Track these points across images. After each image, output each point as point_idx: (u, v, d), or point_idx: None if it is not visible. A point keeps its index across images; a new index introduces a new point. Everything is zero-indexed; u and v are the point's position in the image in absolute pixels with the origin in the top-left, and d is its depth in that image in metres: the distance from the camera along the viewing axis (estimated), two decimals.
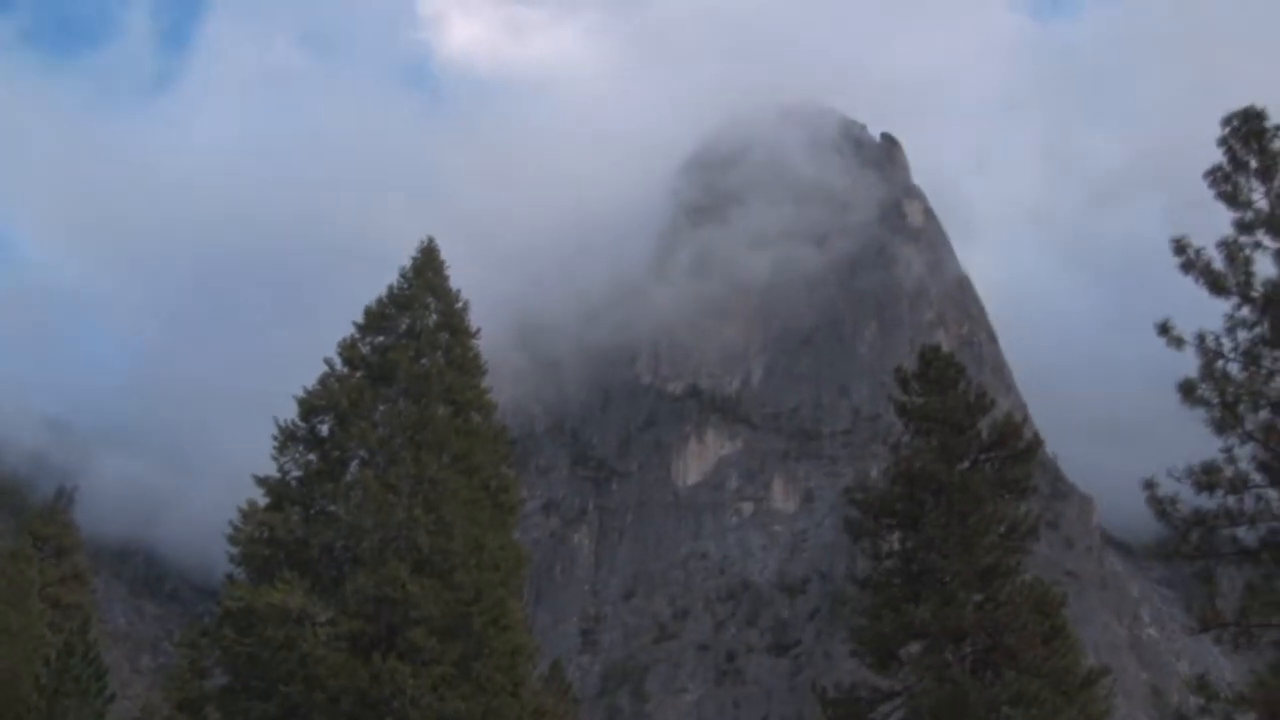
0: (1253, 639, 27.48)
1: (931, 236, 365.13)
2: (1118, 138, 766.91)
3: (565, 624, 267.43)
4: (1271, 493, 27.48)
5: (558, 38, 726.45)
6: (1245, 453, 27.39)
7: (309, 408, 43.55)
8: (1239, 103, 29.29)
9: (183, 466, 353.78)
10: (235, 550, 41.48)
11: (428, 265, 46.63)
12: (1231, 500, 27.54)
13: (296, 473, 42.96)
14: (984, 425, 46.10)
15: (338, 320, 47.72)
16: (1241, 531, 27.86)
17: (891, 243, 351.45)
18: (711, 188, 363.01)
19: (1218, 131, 29.25)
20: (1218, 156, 29.30)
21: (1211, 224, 29.28)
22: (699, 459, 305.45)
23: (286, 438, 43.18)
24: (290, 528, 41.14)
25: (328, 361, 44.55)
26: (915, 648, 43.07)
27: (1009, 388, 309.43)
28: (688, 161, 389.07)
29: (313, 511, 42.35)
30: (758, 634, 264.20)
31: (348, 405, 43.06)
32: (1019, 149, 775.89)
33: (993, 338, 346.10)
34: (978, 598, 42.77)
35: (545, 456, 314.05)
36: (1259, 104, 29.46)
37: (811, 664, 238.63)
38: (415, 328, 45.61)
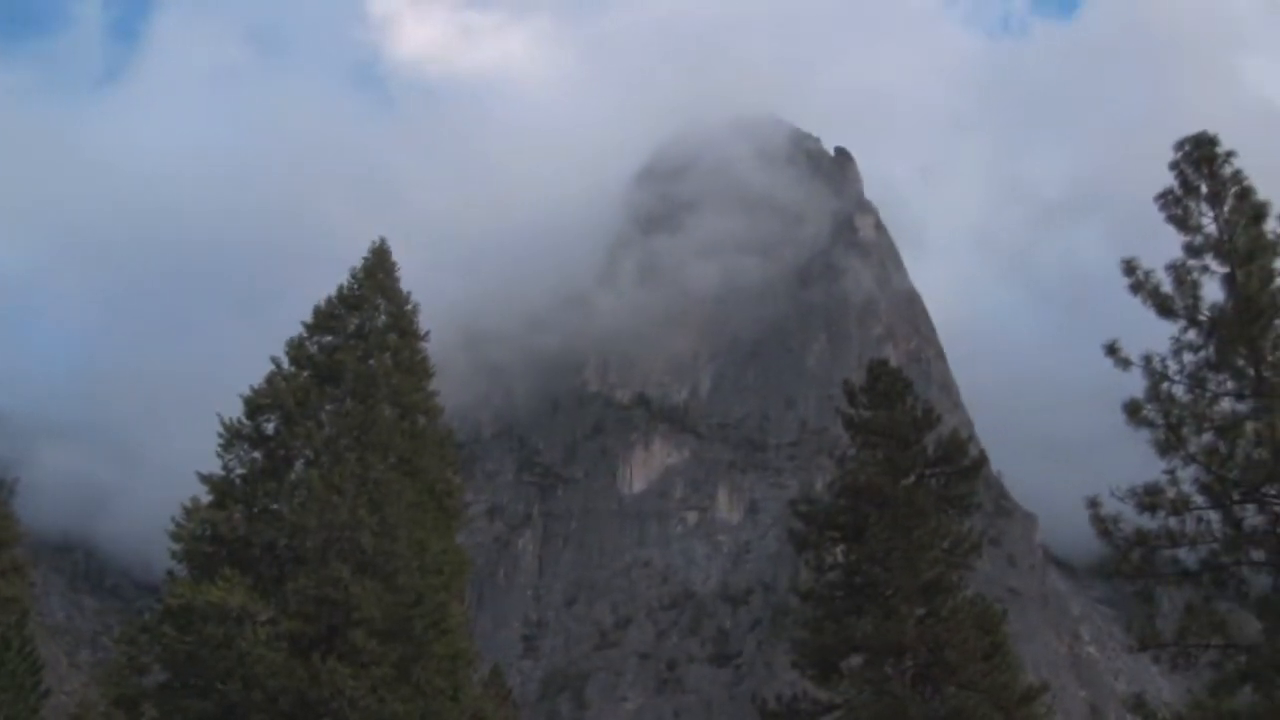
0: (1191, 659, 27.67)
1: (882, 251, 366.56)
2: (1063, 159, 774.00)
3: (507, 629, 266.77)
4: (1213, 515, 27.68)
5: (509, 43, 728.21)
6: (1188, 475, 27.60)
7: (255, 406, 43.31)
8: (1184, 128, 29.58)
9: (126, 461, 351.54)
10: (177, 547, 41.18)
11: (378, 266, 46.45)
12: (1173, 521, 27.73)
13: (241, 471, 42.72)
14: (930, 441, 46.32)
15: (286, 318, 47.56)
16: (1182, 553, 28.06)
17: (842, 256, 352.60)
18: (663, 197, 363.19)
19: (1162, 155, 29.55)
20: (1161, 180, 29.59)
21: (1153, 247, 29.56)
22: (645, 467, 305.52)
23: (232, 435, 42.92)
24: (233, 525, 40.91)
25: (275, 360, 44.32)
26: (856, 661, 43.19)
27: (956, 404, 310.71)
28: (640, 171, 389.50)
29: (256, 510, 42.10)
30: (699, 643, 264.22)
31: (294, 404, 42.84)
32: (967, 167, 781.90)
33: (940, 354, 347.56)
34: (919, 612, 42.93)
35: (491, 461, 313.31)
36: (1207, 129, 29.77)
37: (752, 674, 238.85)
38: (364, 328, 45.42)
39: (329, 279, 46.82)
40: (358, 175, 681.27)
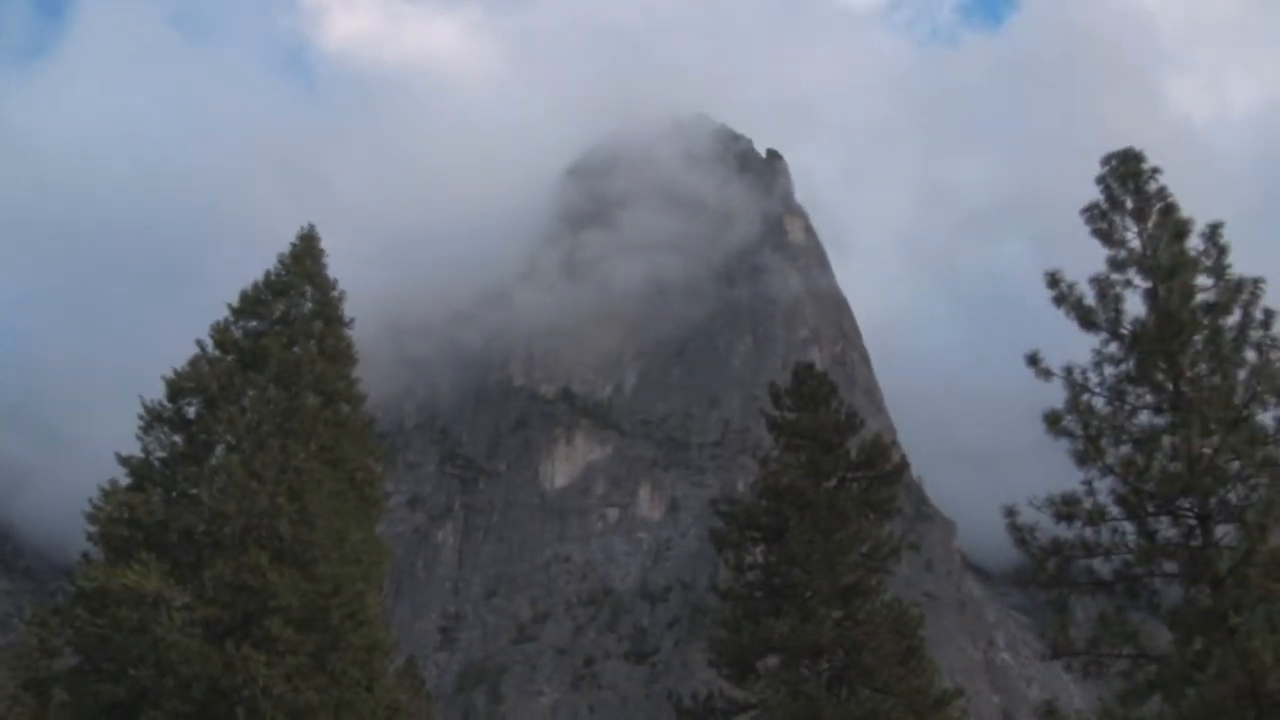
0: (1102, 668, 27.96)
1: (811, 254, 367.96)
2: (989, 168, 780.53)
3: (425, 620, 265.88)
4: (1128, 526, 27.99)
5: (439, 34, 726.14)
6: (1105, 486, 27.89)
7: (177, 389, 42.93)
8: (1107, 143, 29.94)
9: (44, 442, 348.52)
10: (93, 529, 40.74)
11: (306, 253, 46.15)
12: (1089, 532, 28.01)
13: (161, 454, 42.30)
14: (853, 445, 46.57)
15: (210, 302, 47.19)
16: (1097, 563, 28.34)
17: (771, 257, 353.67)
18: (593, 194, 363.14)
19: (1085, 168, 29.88)
20: (1085, 193, 29.93)
21: (1075, 259, 29.88)
22: (567, 463, 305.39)
23: (153, 418, 42.52)
24: (151, 509, 40.52)
25: (199, 344, 43.93)
26: (773, 661, 43.36)
27: (879, 409, 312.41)
28: (570, 167, 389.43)
29: (175, 494, 41.73)
30: (616, 640, 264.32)
31: (217, 389, 42.50)
32: (894, 173, 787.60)
33: (865, 359, 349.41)
34: (837, 615, 43.15)
35: (414, 452, 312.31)
36: (1133, 146, 30.12)
37: (669, 672, 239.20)
38: (290, 315, 45.09)
39: (254, 264, 46.60)
40: (284, 162, 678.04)
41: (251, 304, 44.91)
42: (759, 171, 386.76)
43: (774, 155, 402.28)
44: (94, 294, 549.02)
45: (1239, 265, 28.60)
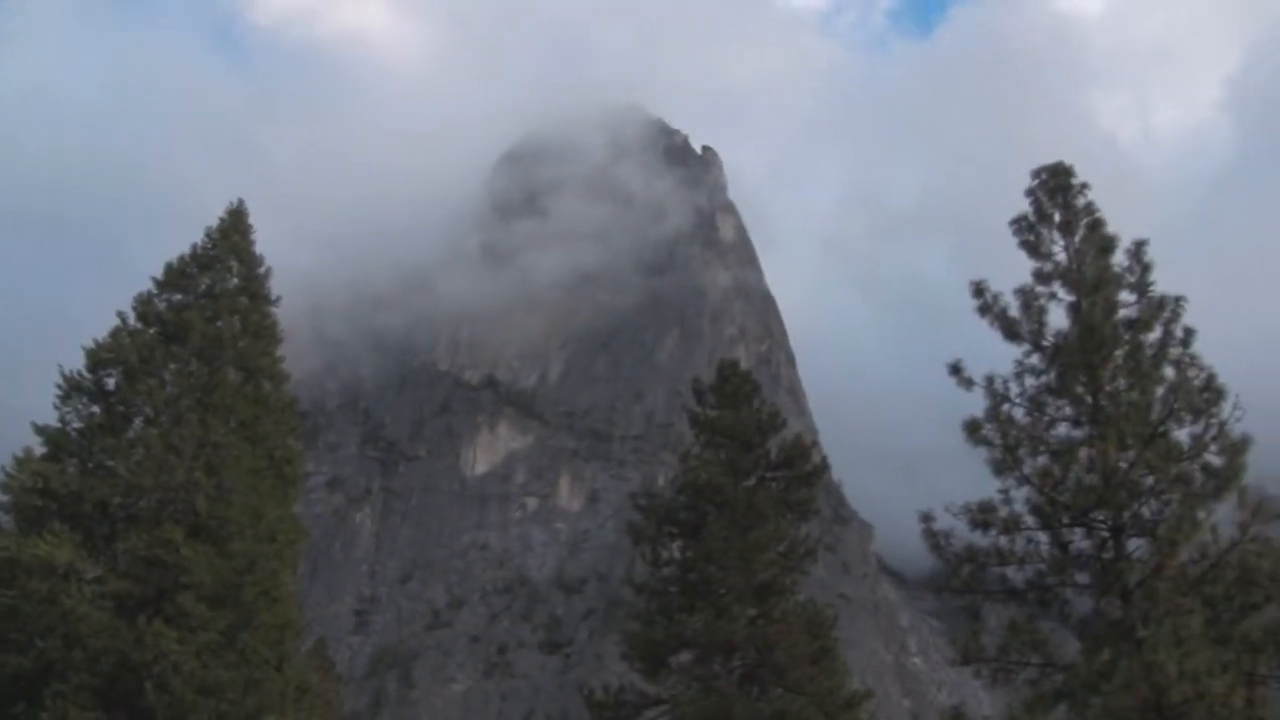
0: (1010, 676, 28.19)
1: (741, 251, 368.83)
2: (915, 174, 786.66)
3: (339, 603, 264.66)
4: (1042, 536, 28.24)
5: (373, 12, 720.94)
6: (1021, 495, 28.10)
7: (97, 360, 42.49)
8: (1031, 155, 30.22)
9: None
10: (5, 498, 40.28)
11: (234, 228, 45.78)
12: (1004, 540, 28.24)
13: (78, 424, 41.85)
14: (774, 444, 46.70)
15: (134, 273, 46.76)
16: (1010, 571, 28.57)
17: (701, 253, 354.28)
18: (525, 183, 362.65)
19: (1008, 179, 30.13)
20: (1007, 203, 30.20)
21: (996, 268, 30.13)
22: (489, 450, 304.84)
23: (71, 388, 42.07)
24: (65, 480, 40.09)
25: (121, 315, 43.47)
26: (686, 657, 43.43)
27: (802, 410, 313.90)
28: (503, 154, 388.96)
29: (90, 465, 41.31)
30: (531, 630, 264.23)
31: (137, 361, 42.09)
32: (823, 175, 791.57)
33: (790, 359, 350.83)
34: (751, 613, 43.27)
35: (335, 433, 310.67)
36: (1063, 160, 30.38)
37: (582, 664, 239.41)
38: (215, 289, 44.72)
39: (179, 237, 46.23)
40: (212, 135, 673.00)
41: (176, 277, 44.51)
42: (693, 166, 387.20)
43: (709, 151, 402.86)
44: (14, 260, 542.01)
45: (1160, 284, 28.94)
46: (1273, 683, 26.85)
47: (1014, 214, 30.14)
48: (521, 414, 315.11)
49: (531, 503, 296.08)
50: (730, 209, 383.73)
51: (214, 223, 45.78)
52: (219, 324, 43.74)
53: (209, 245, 45.18)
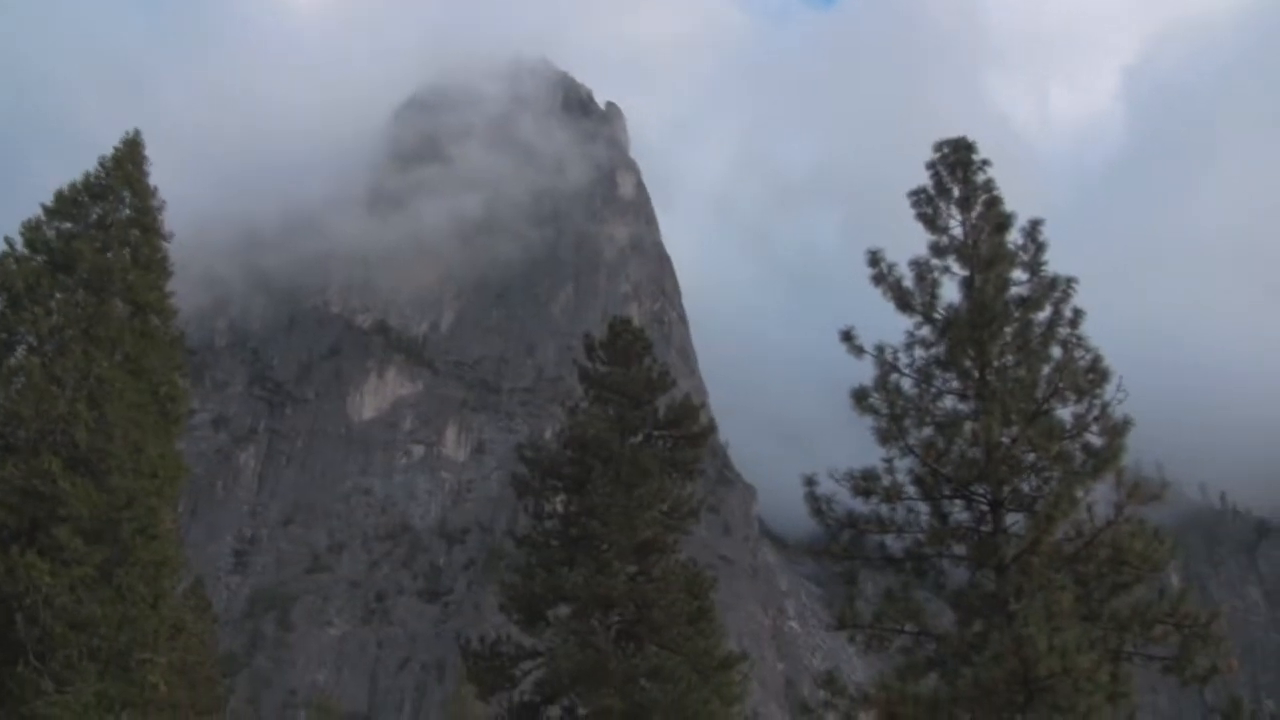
0: (884, 643, 28.46)
1: (640, 210, 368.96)
2: (809, 143, 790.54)
3: (219, 542, 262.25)
4: (922, 507, 28.49)
5: None
6: (904, 465, 28.29)
7: None
8: (925, 130, 30.32)
9: None
10: None
11: (129, 158, 45.00)
12: (884, 508, 28.45)
13: None
14: (662, 403, 46.84)
15: (25, 202, 45.88)
16: (889, 539, 28.81)
17: (600, 209, 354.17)
18: (426, 131, 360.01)
19: (900, 153, 30.33)
20: (898, 176, 30.35)
21: (881, 240, 30.28)
22: (377, 395, 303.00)
23: None
24: None
25: (8, 241, 42.64)
26: (564, 610, 43.54)
27: (692, 371, 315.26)
28: (405, 102, 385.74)
29: None
30: (411, 577, 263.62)
31: (22, 288, 41.34)
32: (721, 138, 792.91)
33: (683, 319, 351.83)
34: (631, 570, 43.46)
35: (222, 371, 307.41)
36: (965, 136, 30.56)
37: (460, 613, 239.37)
38: (106, 220, 43.97)
39: (70, 167, 45.34)
40: (108, 69, 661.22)
41: (67, 205, 43.72)
42: (596, 121, 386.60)
43: (612, 107, 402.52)
44: None
45: (1052, 264, 29.24)
46: (1137, 660, 27.34)
47: (906, 187, 30.32)
48: (411, 361, 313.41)
49: (417, 450, 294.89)
50: (631, 166, 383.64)
51: (108, 153, 45.05)
52: (109, 255, 43.04)
53: (102, 175, 44.39)
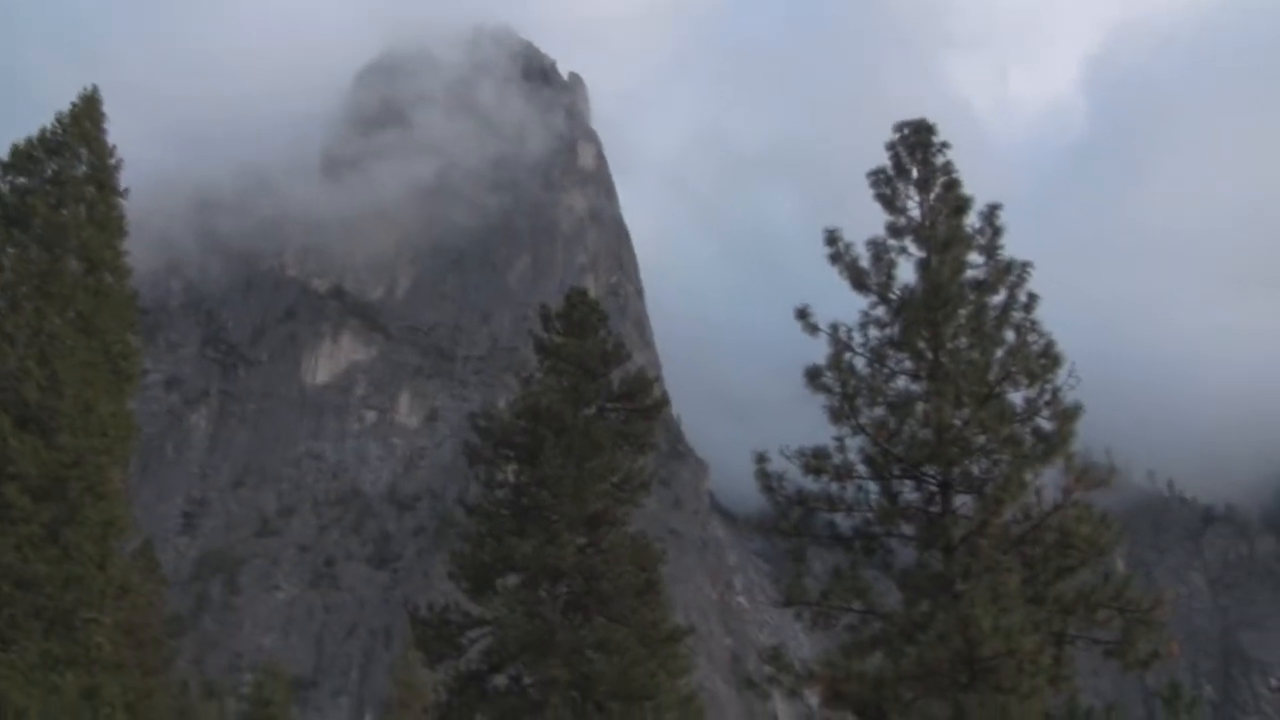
0: (831, 620, 28.59)
1: (599, 182, 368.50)
2: (765, 118, 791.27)
3: (168, 503, 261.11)
4: (872, 486, 28.60)
5: None
6: (855, 444, 28.39)
7: None
8: (883, 111, 30.38)
9: None
10: None
11: (86, 115, 44.72)
12: (835, 487, 28.54)
13: None
14: (616, 376, 46.92)
15: None
16: (839, 518, 28.92)
17: (560, 179, 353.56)
18: (386, 96, 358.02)
19: (859, 133, 30.46)
20: (855, 156, 30.41)
21: (835, 220, 30.33)
22: (331, 360, 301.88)
23: None
24: None
25: None
26: (512, 580, 43.61)
27: (647, 344, 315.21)
28: (365, 67, 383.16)
29: None
30: (360, 543, 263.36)
31: None
32: (679, 112, 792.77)
33: (640, 291, 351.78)
34: (581, 541, 43.53)
35: (176, 332, 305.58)
36: (925, 118, 30.64)
37: (409, 580, 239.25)
38: (61, 176, 43.69)
39: (25, 125, 45.02)
40: (63, 26, 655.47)
41: (22, 160, 43.42)
42: (558, 91, 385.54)
43: (575, 77, 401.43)
44: None
45: (1009, 249, 29.37)
46: (1080, 643, 27.57)
47: (863, 167, 30.39)
48: (366, 326, 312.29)
49: (370, 416, 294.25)
50: (592, 136, 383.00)
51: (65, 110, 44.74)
52: (64, 211, 42.77)
53: (59, 131, 44.11)
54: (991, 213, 29.48)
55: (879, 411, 28.53)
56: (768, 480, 28.81)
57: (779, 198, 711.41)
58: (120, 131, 45.85)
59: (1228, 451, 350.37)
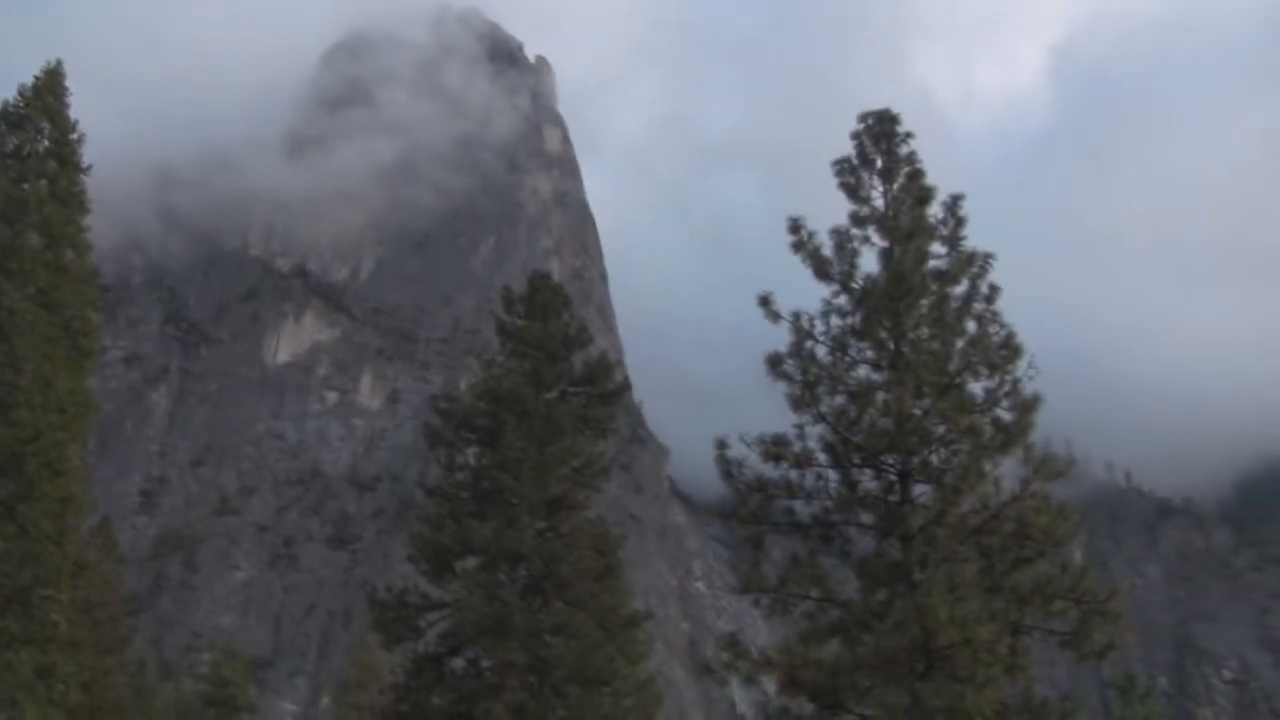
0: (788, 607, 28.69)
1: (565, 165, 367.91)
2: (730, 105, 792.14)
3: (127, 481, 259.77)
4: (831, 474, 28.70)
5: None
6: (815, 432, 28.51)
7: None
8: (847, 100, 30.50)
9: None
10: None
11: (49, 88, 44.42)
12: (794, 474, 28.64)
13: None
14: (578, 360, 46.94)
15: None
16: (798, 505, 29.02)
17: (525, 162, 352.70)
18: (351, 76, 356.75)
19: (823, 120, 30.52)
20: (817, 143, 30.49)
21: (798, 207, 30.38)
22: (293, 340, 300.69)
23: None
24: None
25: None
26: (471, 563, 43.61)
27: (610, 328, 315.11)
28: (332, 46, 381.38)
29: None
30: (319, 524, 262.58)
31: None
32: (644, 95, 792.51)
33: (603, 276, 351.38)
34: (540, 525, 43.56)
35: (137, 309, 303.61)
36: (889, 108, 30.71)
37: (368, 562, 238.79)
38: (23, 150, 43.43)
39: None
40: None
41: None
42: (524, 73, 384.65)
43: (541, 60, 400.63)
44: None
45: (971, 240, 29.49)
46: (1037, 633, 27.75)
47: (826, 155, 30.45)
48: (329, 307, 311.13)
49: (331, 397, 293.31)
50: (557, 120, 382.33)
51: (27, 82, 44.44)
52: (25, 186, 42.51)
53: (21, 105, 43.80)
54: (954, 203, 29.60)
55: (839, 400, 28.63)
56: (728, 466, 28.89)
57: (743, 184, 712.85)
58: (83, 106, 45.59)
59: (1186, 445, 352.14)
